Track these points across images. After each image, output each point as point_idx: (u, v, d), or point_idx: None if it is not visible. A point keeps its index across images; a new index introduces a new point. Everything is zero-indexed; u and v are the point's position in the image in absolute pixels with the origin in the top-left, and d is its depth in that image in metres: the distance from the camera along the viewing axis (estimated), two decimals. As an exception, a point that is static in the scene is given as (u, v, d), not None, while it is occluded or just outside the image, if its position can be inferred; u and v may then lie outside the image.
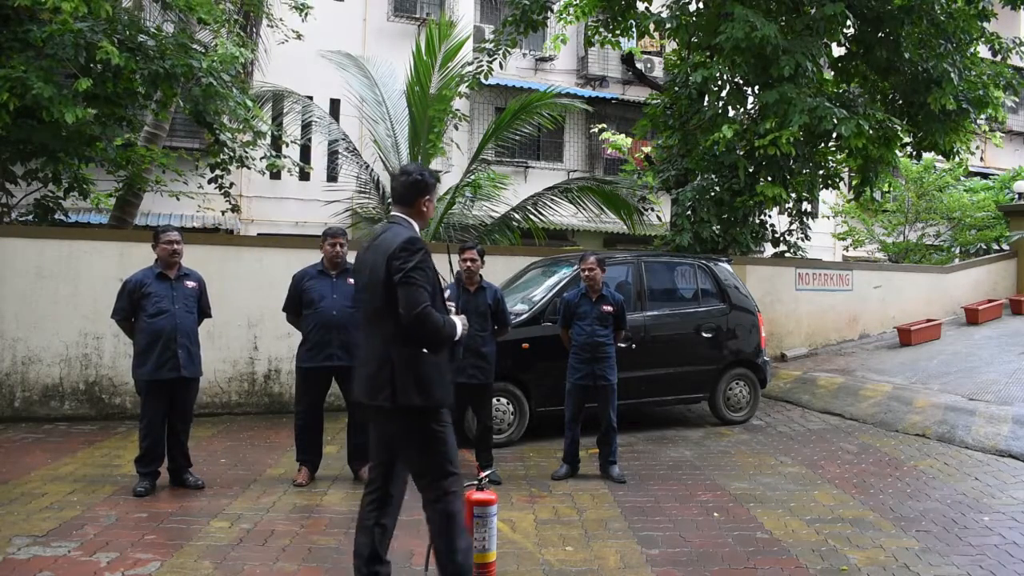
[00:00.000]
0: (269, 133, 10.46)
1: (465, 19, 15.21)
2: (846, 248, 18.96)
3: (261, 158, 10.62)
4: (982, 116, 10.61)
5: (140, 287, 5.09)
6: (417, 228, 3.35)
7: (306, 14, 11.08)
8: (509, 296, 7.02)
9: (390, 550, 4.14)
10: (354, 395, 3.44)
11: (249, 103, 8.98)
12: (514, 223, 11.09)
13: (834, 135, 9.38)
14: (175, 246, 5.17)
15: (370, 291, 3.28)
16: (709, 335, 7.65)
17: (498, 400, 6.46)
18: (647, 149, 13.20)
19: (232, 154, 9.85)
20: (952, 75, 9.53)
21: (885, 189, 12.28)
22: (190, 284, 5.28)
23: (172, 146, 12.46)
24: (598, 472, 5.76)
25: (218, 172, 9.95)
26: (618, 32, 10.92)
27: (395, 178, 3.48)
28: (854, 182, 11.30)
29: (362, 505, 3.39)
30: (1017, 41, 10.70)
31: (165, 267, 5.18)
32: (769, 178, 9.95)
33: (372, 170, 10.97)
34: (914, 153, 11.52)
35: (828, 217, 17.01)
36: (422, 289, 3.13)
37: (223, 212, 12.01)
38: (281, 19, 11.35)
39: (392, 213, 3.42)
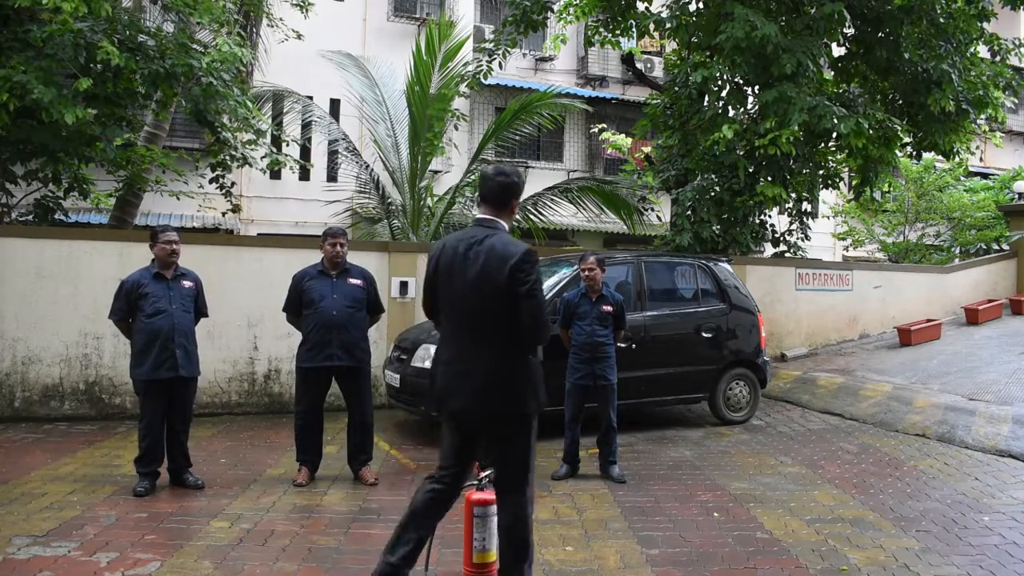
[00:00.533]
0: (269, 132, 10.45)
1: (465, 19, 15.21)
2: (846, 248, 18.96)
3: (263, 157, 10.62)
4: (982, 116, 10.61)
5: (137, 287, 5.09)
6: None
7: (307, 10, 11.06)
8: (509, 296, 7.02)
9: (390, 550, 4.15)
10: (455, 405, 3.33)
11: (249, 103, 8.98)
12: (514, 223, 11.08)
13: (834, 134, 9.38)
14: (173, 246, 5.17)
15: (479, 297, 3.23)
16: (709, 335, 7.65)
17: (498, 400, 6.44)
18: (647, 149, 13.20)
19: (234, 153, 9.85)
20: (952, 76, 9.53)
21: (885, 189, 12.28)
22: (187, 284, 5.28)
23: (172, 146, 12.47)
24: (598, 472, 5.76)
25: (219, 172, 9.95)
26: (618, 32, 10.92)
27: (491, 178, 3.38)
28: (854, 182, 11.30)
29: (426, 495, 3.40)
30: (1017, 42, 10.70)
31: (162, 267, 5.18)
32: (769, 178, 9.94)
33: (372, 170, 10.96)
34: (914, 153, 11.52)
35: (828, 217, 17.01)
36: (543, 302, 3.28)
37: (224, 212, 12.01)
38: (281, 19, 11.35)
39: (483, 216, 3.37)
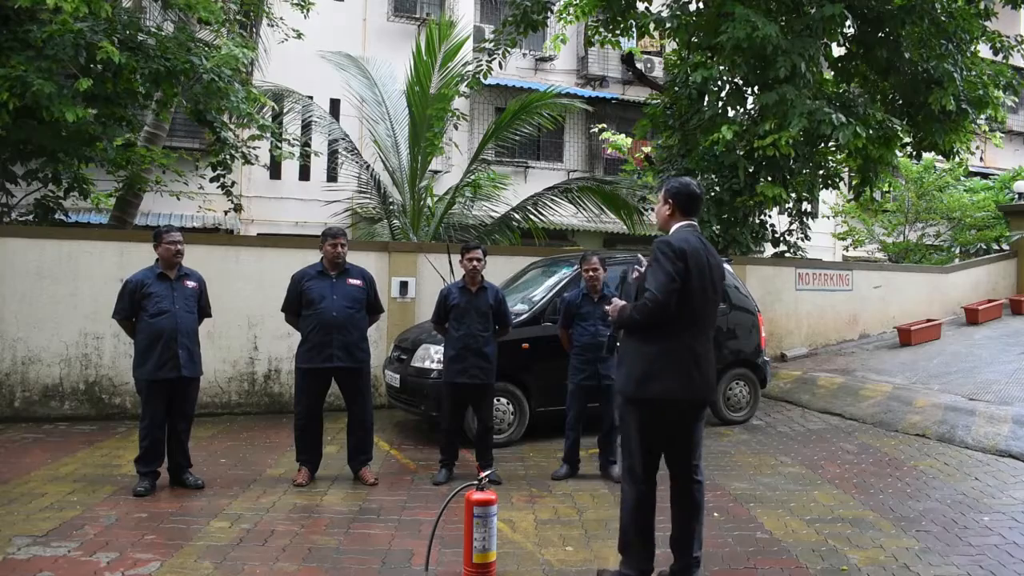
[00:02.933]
0: (270, 130, 10.45)
1: (465, 19, 15.20)
2: (846, 248, 18.96)
3: (270, 149, 10.62)
4: (982, 116, 10.60)
5: (141, 287, 5.10)
6: None
7: (307, 10, 11.06)
8: (509, 296, 7.02)
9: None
10: (694, 394, 3.50)
11: (254, 91, 8.97)
12: (514, 223, 11.08)
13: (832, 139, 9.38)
14: (178, 247, 5.18)
15: (715, 295, 3.59)
16: (709, 335, 7.64)
17: (498, 400, 6.45)
18: (647, 149, 13.20)
19: (233, 152, 9.85)
20: (954, 75, 9.52)
21: (885, 189, 12.30)
22: (190, 284, 5.28)
23: (172, 146, 12.47)
24: (598, 472, 5.76)
25: (220, 171, 9.95)
26: (618, 32, 10.91)
27: (692, 193, 3.66)
28: (854, 182, 11.30)
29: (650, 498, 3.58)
30: (1019, 38, 10.69)
31: (166, 267, 5.18)
32: (769, 178, 9.94)
33: (372, 170, 10.96)
34: (914, 153, 11.52)
35: (828, 217, 17.01)
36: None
37: (225, 212, 12.01)
38: (282, 18, 11.35)
39: (694, 223, 3.67)
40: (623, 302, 3.64)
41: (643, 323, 3.47)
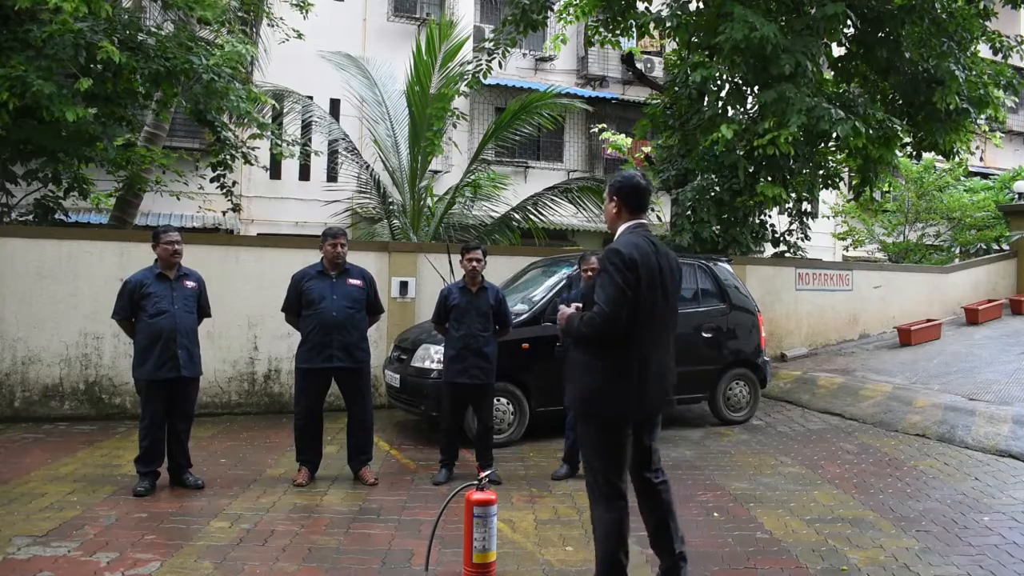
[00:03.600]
0: (270, 129, 10.45)
1: (465, 19, 15.20)
2: (846, 248, 18.96)
3: (270, 148, 10.62)
4: (982, 116, 10.60)
5: (140, 287, 5.10)
6: None
7: (307, 10, 11.06)
8: (509, 296, 7.02)
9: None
10: (647, 408, 3.38)
11: (254, 91, 8.98)
12: (514, 223, 11.09)
13: (833, 135, 9.38)
14: (176, 246, 5.18)
15: (667, 300, 3.42)
16: (709, 335, 7.65)
17: (498, 400, 6.45)
18: (647, 149, 13.19)
19: (234, 152, 9.85)
20: (957, 73, 9.52)
21: (885, 189, 12.30)
22: (190, 284, 5.28)
23: (172, 146, 12.47)
24: (598, 472, 5.75)
25: (220, 171, 9.96)
26: (618, 32, 10.92)
27: (639, 188, 3.47)
28: (854, 182, 11.30)
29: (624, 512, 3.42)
30: (1020, 39, 10.69)
31: (165, 267, 5.18)
32: (769, 178, 9.94)
33: (372, 170, 10.96)
34: (914, 153, 11.52)
35: (828, 217, 17.01)
36: None
37: (224, 212, 12.01)
38: (282, 18, 11.35)
39: (642, 222, 3.48)
40: (570, 309, 3.41)
41: (592, 338, 3.27)
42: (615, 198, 3.49)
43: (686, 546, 3.60)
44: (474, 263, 5.52)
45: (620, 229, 3.46)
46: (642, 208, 3.49)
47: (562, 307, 3.48)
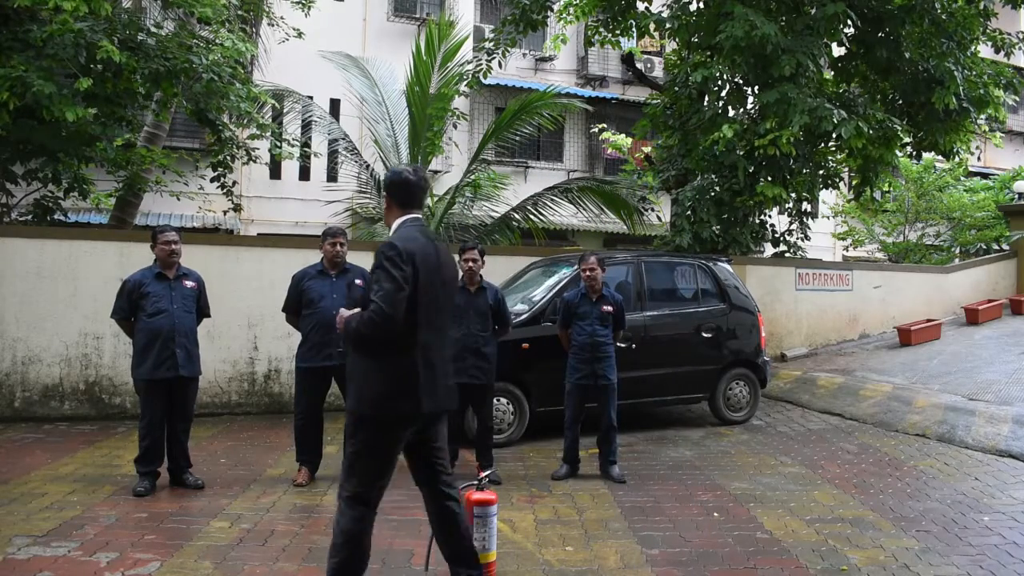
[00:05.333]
0: (270, 129, 10.45)
1: (465, 19, 15.21)
2: (846, 248, 18.97)
3: (269, 149, 10.63)
4: (982, 116, 10.60)
5: (139, 287, 5.10)
6: None
7: (308, 9, 11.06)
8: (509, 296, 7.02)
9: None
10: (438, 405, 3.25)
11: (254, 90, 8.98)
12: (514, 223, 11.09)
13: (834, 135, 9.38)
14: (173, 246, 5.17)
15: (446, 294, 3.35)
16: (709, 335, 7.65)
17: (498, 400, 6.46)
18: (647, 149, 13.20)
19: (235, 152, 9.84)
20: (956, 73, 9.52)
21: (885, 189, 12.28)
22: (189, 284, 5.28)
23: (172, 146, 12.47)
24: (598, 472, 5.76)
25: (221, 171, 9.96)
26: (618, 32, 10.92)
27: (409, 182, 3.35)
28: (854, 182, 11.30)
29: (367, 522, 3.28)
30: (1021, 35, 10.68)
31: (163, 267, 5.18)
32: (769, 178, 9.94)
33: (372, 170, 10.97)
34: (914, 153, 11.52)
35: (828, 217, 17.01)
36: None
37: (225, 212, 12.01)
38: (282, 17, 11.35)
39: (417, 215, 3.36)
40: (349, 312, 3.21)
41: (371, 338, 3.07)
42: (386, 194, 3.39)
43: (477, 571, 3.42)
44: (469, 263, 5.52)
45: (394, 225, 3.33)
46: (412, 203, 3.35)
47: (341, 310, 3.24)
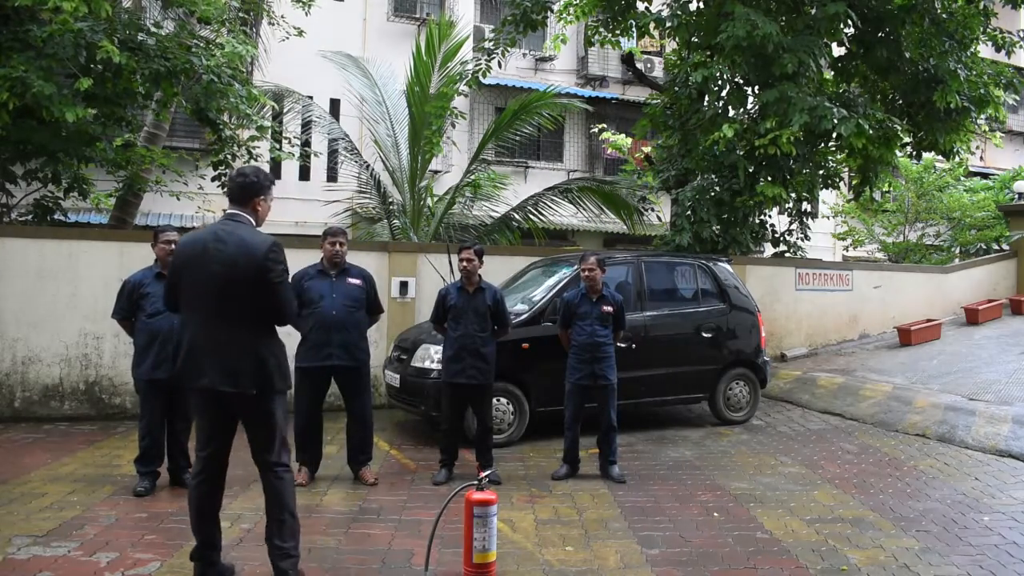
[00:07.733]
0: (270, 129, 10.44)
1: (465, 19, 15.20)
2: (846, 248, 18.96)
3: (269, 149, 10.62)
4: (982, 116, 10.60)
5: (139, 287, 5.11)
6: (255, 225, 3.66)
7: (309, 8, 11.05)
8: (509, 296, 7.02)
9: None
10: (205, 383, 3.47)
11: (254, 91, 8.97)
12: (514, 223, 11.09)
13: (834, 135, 9.39)
14: (172, 246, 5.17)
15: (229, 286, 3.46)
16: (709, 335, 7.65)
17: (498, 400, 6.46)
18: (647, 149, 13.19)
19: (236, 151, 9.83)
20: (958, 72, 9.51)
21: (885, 189, 12.29)
22: (189, 284, 5.27)
23: (172, 146, 12.46)
24: (598, 472, 5.76)
25: (221, 170, 9.95)
26: (618, 32, 10.92)
27: (232, 180, 3.69)
28: (854, 182, 11.30)
29: (199, 488, 3.56)
30: (1022, 34, 10.67)
31: (164, 267, 5.17)
32: (769, 178, 9.94)
33: (372, 170, 10.96)
34: (914, 153, 11.51)
35: (828, 217, 17.01)
36: (288, 287, 3.69)
37: (225, 211, 11.98)
38: (283, 16, 11.34)
39: (231, 211, 3.63)
40: None
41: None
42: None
43: (290, 561, 3.50)
44: (465, 263, 5.52)
45: None
46: (238, 199, 3.63)
47: None
